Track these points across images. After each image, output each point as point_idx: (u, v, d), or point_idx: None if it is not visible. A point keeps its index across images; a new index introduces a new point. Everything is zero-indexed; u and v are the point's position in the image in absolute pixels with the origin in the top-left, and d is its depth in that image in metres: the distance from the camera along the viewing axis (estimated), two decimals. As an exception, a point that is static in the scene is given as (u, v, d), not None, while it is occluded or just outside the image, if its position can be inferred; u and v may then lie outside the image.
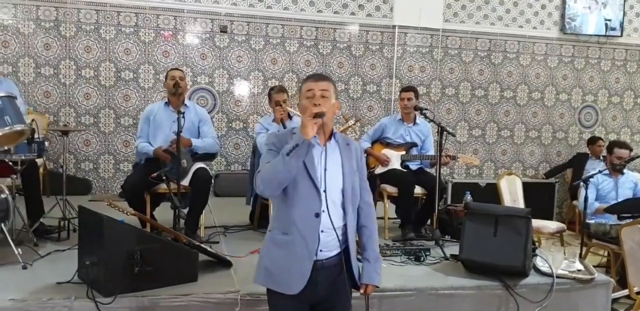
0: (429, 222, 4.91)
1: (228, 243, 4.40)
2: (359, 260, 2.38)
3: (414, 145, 4.97)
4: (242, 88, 7.13)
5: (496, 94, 7.93)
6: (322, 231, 2.18)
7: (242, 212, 5.21)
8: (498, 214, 3.70)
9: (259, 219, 4.88)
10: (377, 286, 2.38)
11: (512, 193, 5.88)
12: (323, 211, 2.17)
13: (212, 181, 4.52)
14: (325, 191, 2.18)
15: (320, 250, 2.19)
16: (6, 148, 3.84)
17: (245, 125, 7.16)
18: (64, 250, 3.91)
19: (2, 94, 3.69)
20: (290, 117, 4.74)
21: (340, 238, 2.24)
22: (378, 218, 4.99)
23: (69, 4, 6.47)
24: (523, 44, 7.91)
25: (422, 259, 3.98)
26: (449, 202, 6.62)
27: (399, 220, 4.97)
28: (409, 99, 4.90)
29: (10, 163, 4.02)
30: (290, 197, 2.17)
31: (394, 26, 7.40)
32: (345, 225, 2.24)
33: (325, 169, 2.20)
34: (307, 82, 2.25)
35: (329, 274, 2.23)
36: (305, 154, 2.09)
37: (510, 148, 8.07)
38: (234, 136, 7.13)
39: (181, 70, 4.77)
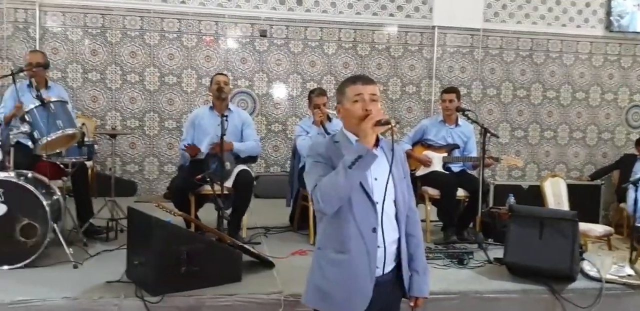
0: (471, 224, 4.86)
1: (269, 244, 4.45)
2: None
3: (456, 146, 4.93)
4: (281, 91, 7.21)
5: (539, 94, 7.79)
6: (378, 246, 2.04)
7: (282, 214, 5.25)
8: (544, 217, 3.64)
9: (299, 221, 4.92)
10: (426, 298, 2.25)
11: (557, 196, 5.76)
12: (379, 225, 2.03)
13: (254, 182, 4.58)
14: (378, 202, 2.03)
15: (377, 266, 2.05)
16: (58, 151, 3.98)
17: (284, 127, 7.23)
18: (112, 250, 4.03)
19: (54, 99, 3.84)
20: (329, 119, 4.76)
21: (396, 252, 2.11)
22: (421, 221, 5.04)
23: (114, 11, 6.66)
24: (566, 43, 7.76)
25: (465, 262, 3.94)
26: (490, 204, 6.53)
27: (440, 223, 4.93)
28: (450, 101, 4.86)
29: (62, 166, 4.17)
30: (344, 212, 2.01)
31: (433, 27, 7.35)
32: (399, 238, 2.11)
33: (375, 179, 2.05)
34: (354, 84, 2.10)
35: (384, 290, 2.09)
36: (370, 165, 1.95)
37: (554, 149, 7.92)
38: (274, 138, 7.20)
39: (225, 75, 4.87)
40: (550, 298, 3.45)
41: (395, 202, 2.09)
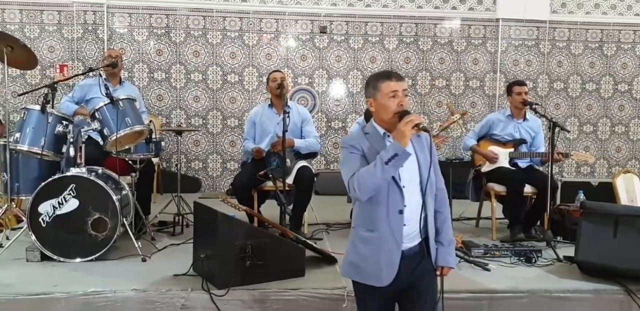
0: (538, 222, 4.70)
1: (331, 240, 4.44)
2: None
3: (523, 141, 4.77)
4: (341, 88, 7.19)
5: (609, 88, 7.47)
6: (404, 224, 2.24)
7: (342, 210, 5.22)
8: (618, 214, 3.47)
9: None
10: (453, 268, 2.41)
11: (630, 193, 5.50)
12: (405, 206, 2.23)
13: (315, 179, 4.59)
14: (404, 186, 2.23)
15: (403, 242, 2.26)
16: (127, 147, 4.11)
17: (344, 124, 7.22)
18: (179, 244, 4.12)
19: (123, 97, 3.95)
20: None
21: (422, 229, 2.31)
22: (485, 218, 4.94)
23: (178, 11, 6.82)
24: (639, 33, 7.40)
25: (533, 260, 3.82)
26: (558, 201, 6.32)
27: (506, 221, 4.80)
28: (526, 93, 4.72)
29: (130, 162, 4.30)
30: (374, 196, 2.21)
31: (497, 19, 7.17)
32: (425, 216, 2.30)
33: (402, 165, 2.21)
34: (389, 81, 2.26)
35: (411, 262, 2.29)
36: (404, 162, 2.15)
37: (626, 145, 7.58)
38: (333, 135, 7.20)
39: (281, 72, 4.88)
40: (625, 298, 3.29)
41: (421, 183, 2.27)
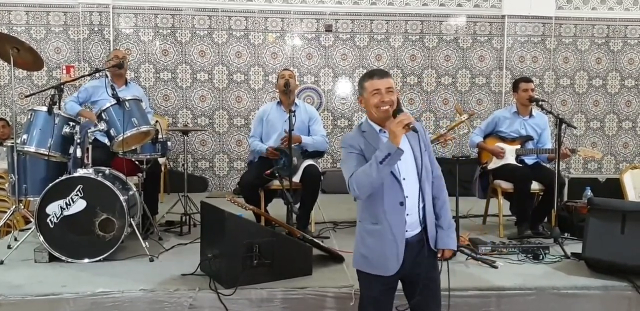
0: (546, 219, 4.68)
1: (338, 239, 4.44)
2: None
3: (530, 138, 4.75)
4: (347, 86, 7.18)
5: (616, 83, 7.43)
6: (407, 214, 2.35)
7: (349, 209, 5.18)
8: (626, 210, 3.45)
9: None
10: (453, 250, 2.52)
11: (638, 189, 5.47)
12: (407, 196, 2.34)
13: (322, 177, 4.59)
14: (404, 179, 2.34)
15: (406, 231, 2.37)
16: (133, 148, 4.12)
17: (350, 122, 7.21)
18: (186, 244, 4.14)
19: (129, 97, 3.97)
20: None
21: (421, 217, 2.41)
22: (492, 215, 4.92)
23: (184, 11, 6.83)
24: (647, 28, 7.37)
25: (541, 257, 3.81)
26: (565, 198, 6.29)
27: (513, 218, 4.78)
28: (532, 90, 4.70)
29: (137, 162, 4.31)
30: (376, 190, 2.32)
31: (503, 16, 7.14)
32: (424, 206, 2.40)
33: (396, 163, 2.31)
34: (371, 79, 2.38)
35: (413, 250, 2.39)
36: (397, 160, 2.24)
37: (633, 141, 7.53)
38: (340, 134, 7.19)
39: (290, 70, 4.91)
40: (634, 295, 3.27)
41: (419, 174, 2.37)
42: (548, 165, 4.82)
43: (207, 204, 3.51)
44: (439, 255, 2.48)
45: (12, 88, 4.69)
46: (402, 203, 2.34)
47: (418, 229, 2.42)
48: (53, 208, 3.62)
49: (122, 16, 6.78)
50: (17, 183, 3.88)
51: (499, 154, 4.70)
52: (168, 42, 6.87)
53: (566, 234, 4.43)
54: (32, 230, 3.80)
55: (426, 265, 2.43)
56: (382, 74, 2.41)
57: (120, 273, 3.43)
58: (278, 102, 4.75)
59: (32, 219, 3.88)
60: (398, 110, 2.28)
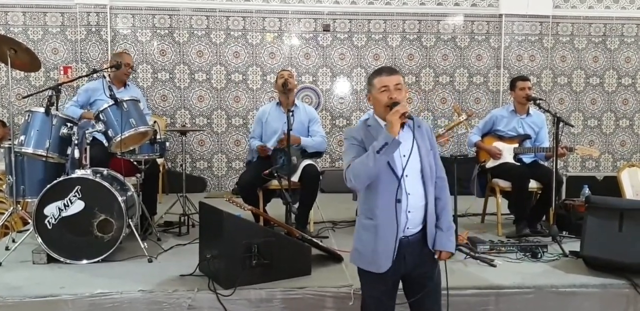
0: (544, 217, 4.69)
1: (337, 238, 4.45)
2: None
3: (527, 137, 4.76)
4: (345, 86, 7.19)
5: (613, 82, 7.44)
6: (409, 211, 2.35)
7: (348, 208, 5.24)
8: (623, 208, 3.46)
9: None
10: (452, 253, 2.51)
11: (635, 187, 5.48)
12: (409, 194, 2.34)
13: (321, 177, 4.59)
14: (406, 176, 2.34)
15: (408, 228, 2.37)
16: (131, 148, 4.12)
17: (348, 122, 7.21)
18: (185, 244, 4.13)
19: (127, 98, 3.96)
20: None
21: (423, 216, 2.41)
22: (490, 214, 4.93)
23: (181, 11, 6.83)
24: (643, 26, 7.38)
25: (539, 256, 3.81)
26: (563, 196, 6.30)
27: (511, 216, 4.79)
28: (529, 88, 4.71)
29: (135, 163, 4.31)
30: (373, 186, 2.34)
31: (500, 15, 7.15)
32: (426, 204, 2.40)
33: (403, 155, 2.34)
34: (379, 76, 2.40)
35: (414, 248, 2.41)
36: (394, 150, 2.25)
37: (630, 139, 7.55)
38: (338, 133, 7.19)
39: (289, 70, 4.93)
40: (632, 293, 3.28)
41: (422, 172, 2.39)
42: (546, 164, 4.83)
43: (205, 204, 3.50)
44: (436, 256, 2.48)
45: (10, 89, 4.67)
46: (399, 201, 2.32)
47: (419, 227, 2.42)
48: (51, 210, 3.61)
49: (120, 16, 6.78)
50: (15, 184, 3.87)
51: (496, 155, 4.71)
52: (166, 43, 6.87)
53: (564, 232, 4.44)
54: (30, 231, 3.78)
55: (429, 263, 2.46)
56: (390, 71, 2.42)
57: (118, 274, 3.42)
58: (277, 103, 4.75)
59: (30, 220, 3.87)
60: (393, 104, 2.31)
